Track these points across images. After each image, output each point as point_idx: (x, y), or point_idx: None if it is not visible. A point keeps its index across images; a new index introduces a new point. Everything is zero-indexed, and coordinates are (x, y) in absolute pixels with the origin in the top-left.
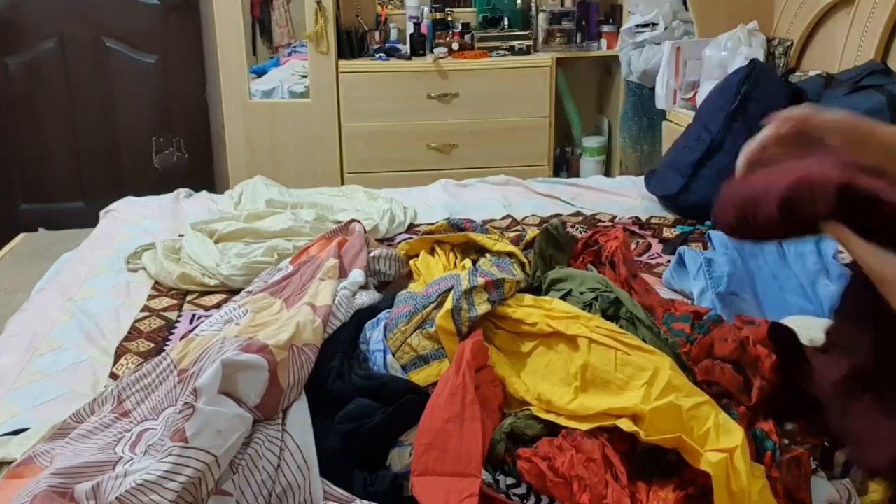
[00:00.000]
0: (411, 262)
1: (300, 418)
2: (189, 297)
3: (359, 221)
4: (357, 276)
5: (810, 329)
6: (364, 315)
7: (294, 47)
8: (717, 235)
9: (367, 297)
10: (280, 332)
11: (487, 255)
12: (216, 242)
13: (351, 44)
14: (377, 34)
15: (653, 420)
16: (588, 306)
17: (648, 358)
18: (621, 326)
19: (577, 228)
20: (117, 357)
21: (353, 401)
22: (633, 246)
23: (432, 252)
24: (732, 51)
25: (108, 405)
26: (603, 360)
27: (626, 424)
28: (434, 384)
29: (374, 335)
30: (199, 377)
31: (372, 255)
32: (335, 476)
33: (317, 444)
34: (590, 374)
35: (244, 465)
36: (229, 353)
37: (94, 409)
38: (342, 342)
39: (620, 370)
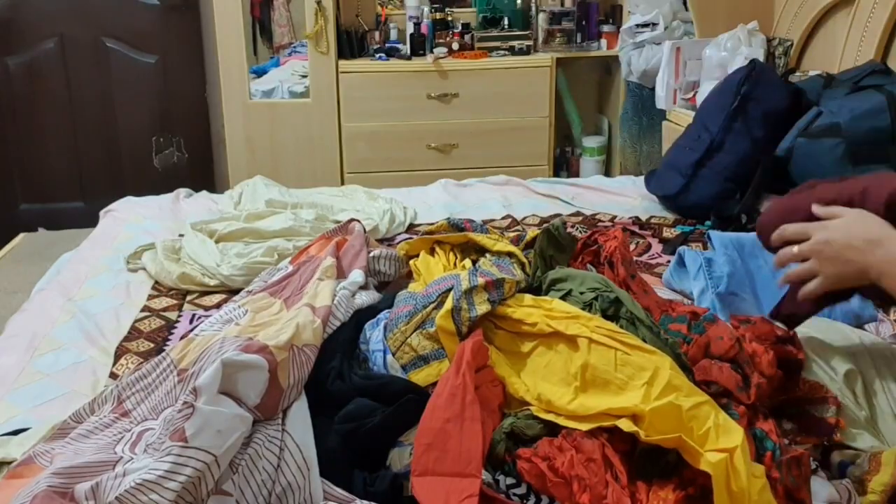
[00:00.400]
0: (411, 262)
1: (300, 418)
2: (189, 297)
3: (358, 221)
4: (357, 276)
5: (809, 329)
6: (364, 315)
7: (294, 47)
8: (716, 235)
9: (367, 297)
10: (280, 333)
11: (487, 255)
12: (216, 242)
13: (351, 44)
14: (377, 34)
15: (653, 420)
16: (588, 306)
17: (648, 358)
18: (621, 326)
19: (577, 228)
20: (117, 357)
21: (353, 401)
22: (632, 246)
23: (432, 252)
24: (732, 51)
25: (108, 405)
26: (603, 360)
27: (626, 424)
28: (434, 384)
29: (373, 335)
30: (199, 377)
31: (372, 255)
32: (335, 476)
33: (317, 444)
34: (590, 374)
35: (244, 465)
36: (229, 353)
37: (94, 409)
38: (342, 342)
39: (620, 370)
